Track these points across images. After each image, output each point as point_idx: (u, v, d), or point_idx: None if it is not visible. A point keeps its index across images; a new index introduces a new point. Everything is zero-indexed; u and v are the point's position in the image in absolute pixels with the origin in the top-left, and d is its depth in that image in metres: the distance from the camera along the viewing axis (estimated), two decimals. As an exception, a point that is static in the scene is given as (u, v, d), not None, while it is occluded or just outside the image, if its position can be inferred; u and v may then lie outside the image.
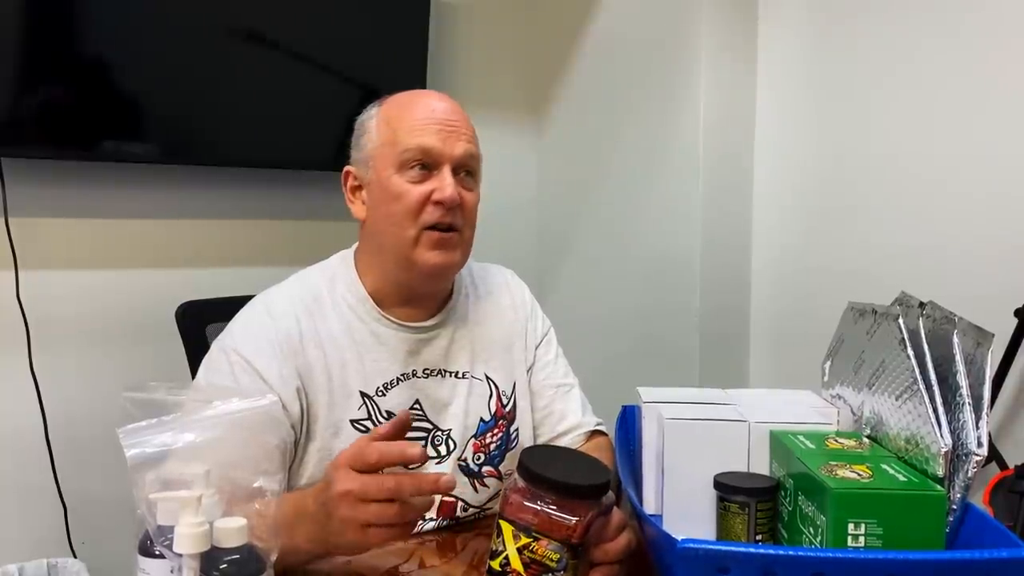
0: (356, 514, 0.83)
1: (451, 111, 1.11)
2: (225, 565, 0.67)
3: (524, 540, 0.83)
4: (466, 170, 1.11)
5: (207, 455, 0.69)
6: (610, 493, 0.88)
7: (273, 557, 0.72)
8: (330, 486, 0.84)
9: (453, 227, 1.09)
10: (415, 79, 2.04)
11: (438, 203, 1.07)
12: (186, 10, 1.76)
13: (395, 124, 1.10)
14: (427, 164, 1.08)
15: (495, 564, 0.84)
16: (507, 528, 0.84)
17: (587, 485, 0.85)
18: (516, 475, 0.87)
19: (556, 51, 2.41)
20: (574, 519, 0.83)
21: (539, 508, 0.83)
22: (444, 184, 1.07)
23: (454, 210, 1.08)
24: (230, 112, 1.86)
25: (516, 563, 0.83)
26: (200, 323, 1.36)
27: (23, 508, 1.72)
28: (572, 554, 0.82)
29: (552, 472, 0.85)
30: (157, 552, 0.68)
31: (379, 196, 1.11)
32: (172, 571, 0.67)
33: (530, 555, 0.83)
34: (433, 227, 1.08)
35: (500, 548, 0.84)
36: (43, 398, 1.71)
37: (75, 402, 1.74)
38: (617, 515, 0.90)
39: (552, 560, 0.82)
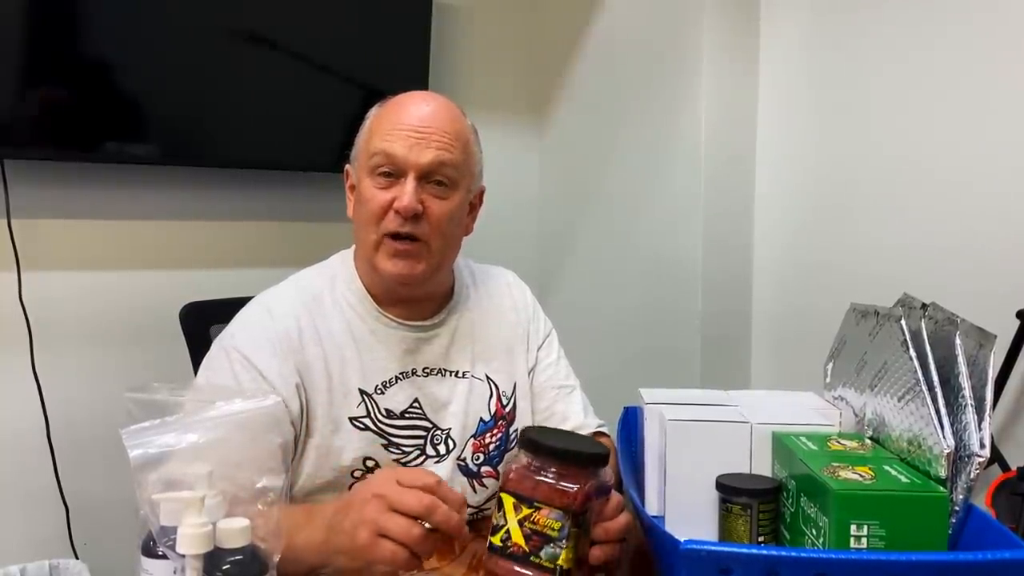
0: (379, 519, 0.83)
1: (430, 117, 1.08)
2: (228, 566, 0.67)
3: (525, 511, 0.84)
4: (437, 179, 1.08)
5: (210, 456, 0.69)
6: (609, 471, 0.91)
7: (276, 558, 0.72)
8: (368, 484, 0.87)
9: (414, 237, 1.07)
10: (416, 80, 2.04)
11: (397, 212, 1.06)
12: (187, 11, 1.76)
13: (374, 128, 1.11)
14: (392, 171, 1.07)
15: (496, 540, 0.85)
16: (508, 500, 0.85)
17: (587, 453, 0.88)
18: (518, 449, 0.89)
19: (557, 52, 2.41)
20: (574, 487, 0.84)
21: (540, 478, 0.85)
22: (403, 193, 1.06)
23: (416, 220, 1.06)
24: (232, 113, 1.87)
25: (517, 536, 0.84)
26: (203, 324, 1.37)
27: (25, 509, 1.72)
28: (573, 522, 0.83)
29: (553, 442, 0.87)
30: (160, 553, 0.68)
31: (357, 198, 1.12)
32: (175, 572, 0.67)
33: (531, 526, 0.84)
34: (394, 235, 1.07)
35: (501, 522, 0.85)
36: (45, 399, 1.71)
37: (77, 403, 1.74)
38: (616, 496, 0.92)
39: (553, 529, 0.83)
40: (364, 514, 0.84)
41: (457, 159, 1.09)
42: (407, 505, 0.83)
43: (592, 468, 0.88)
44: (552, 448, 0.86)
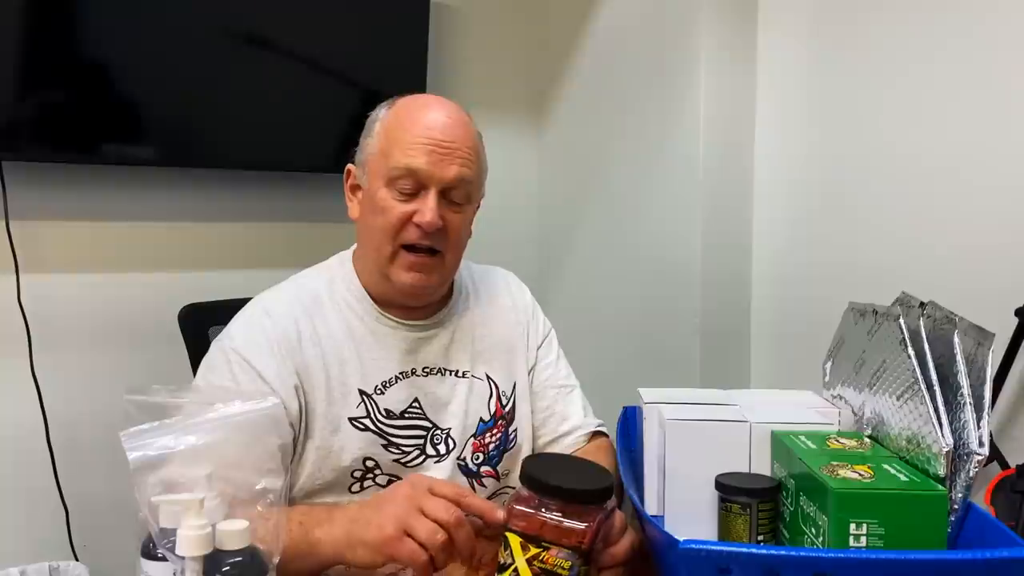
0: (409, 518, 0.86)
1: (450, 129, 1.08)
2: (228, 567, 0.67)
3: (533, 551, 0.82)
4: (455, 193, 1.09)
5: (209, 457, 0.69)
6: (613, 499, 0.88)
7: (276, 560, 0.72)
8: (402, 485, 0.92)
9: (433, 249, 1.09)
10: (415, 81, 2.04)
11: (418, 226, 1.06)
12: (186, 13, 1.76)
13: (392, 137, 1.09)
14: (414, 184, 1.07)
15: None
16: (515, 540, 0.83)
17: (595, 490, 0.85)
18: (520, 485, 0.86)
19: (556, 52, 2.41)
20: (583, 524, 0.82)
21: (547, 517, 0.83)
22: (426, 208, 1.06)
23: (436, 233, 1.07)
24: (230, 115, 1.86)
25: (526, 575, 0.82)
26: (202, 325, 1.36)
27: (25, 511, 1.72)
28: (583, 560, 0.82)
29: (557, 479, 0.84)
30: (159, 555, 0.67)
31: (368, 204, 1.11)
32: (175, 574, 0.67)
33: (540, 565, 0.81)
34: (411, 247, 1.08)
35: (508, 561, 0.83)
36: (44, 401, 1.71)
37: (76, 405, 1.74)
38: (618, 517, 0.91)
39: (564, 568, 0.81)
40: (396, 510, 0.87)
41: (474, 174, 1.11)
42: (437, 512, 0.86)
43: (600, 503, 0.85)
44: (559, 488, 0.84)
